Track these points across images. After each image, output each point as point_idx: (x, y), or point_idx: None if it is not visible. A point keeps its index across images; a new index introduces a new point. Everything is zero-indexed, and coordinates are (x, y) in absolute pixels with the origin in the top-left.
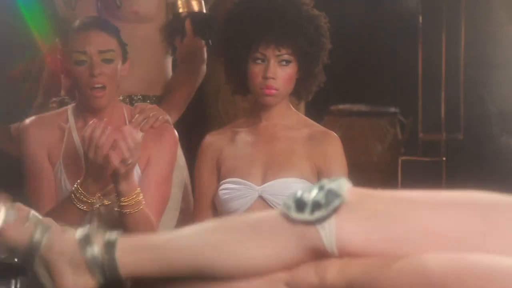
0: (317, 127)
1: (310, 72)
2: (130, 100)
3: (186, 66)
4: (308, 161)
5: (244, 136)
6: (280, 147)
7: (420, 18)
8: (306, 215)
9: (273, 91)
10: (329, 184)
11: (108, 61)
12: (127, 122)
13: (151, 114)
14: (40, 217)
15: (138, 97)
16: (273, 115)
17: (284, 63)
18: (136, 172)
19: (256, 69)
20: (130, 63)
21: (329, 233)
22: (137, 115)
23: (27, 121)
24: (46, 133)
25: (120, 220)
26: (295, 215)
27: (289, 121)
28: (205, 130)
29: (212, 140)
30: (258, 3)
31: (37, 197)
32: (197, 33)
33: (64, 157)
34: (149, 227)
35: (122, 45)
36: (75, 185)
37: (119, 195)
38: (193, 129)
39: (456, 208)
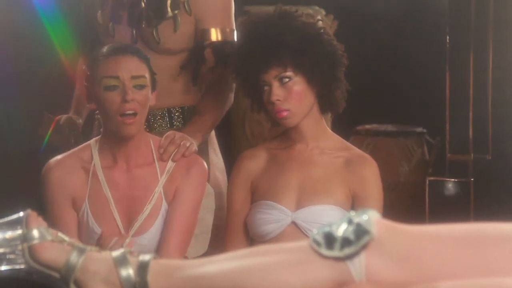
0: (354, 150)
1: (321, 81)
2: (169, 113)
3: (212, 94)
4: (344, 186)
5: (279, 158)
6: (316, 172)
7: (448, 37)
8: (336, 252)
9: (284, 113)
10: (357, 218)
11: (140, 87)
12: (154, 154)
13: (181, 143)
14: (67, 238)
15: (177, 109)
16: (306, 136)
17: (286, 81)
18: (163, 205)
19: (265, 97)
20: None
21: (359, 268)
22: (167, 145)
23: (52, 163)
24: (70, 176)
25: None
26: (325, 252)
27: (325, 143)
28: (232, 150)
29: (247, 160)
30: (244, 34)
31: None
32: (219, 62)
33: (90, 198)
34: None
35: (152, 74)
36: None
37: None
38: (220, 149)
39: (485, 245)
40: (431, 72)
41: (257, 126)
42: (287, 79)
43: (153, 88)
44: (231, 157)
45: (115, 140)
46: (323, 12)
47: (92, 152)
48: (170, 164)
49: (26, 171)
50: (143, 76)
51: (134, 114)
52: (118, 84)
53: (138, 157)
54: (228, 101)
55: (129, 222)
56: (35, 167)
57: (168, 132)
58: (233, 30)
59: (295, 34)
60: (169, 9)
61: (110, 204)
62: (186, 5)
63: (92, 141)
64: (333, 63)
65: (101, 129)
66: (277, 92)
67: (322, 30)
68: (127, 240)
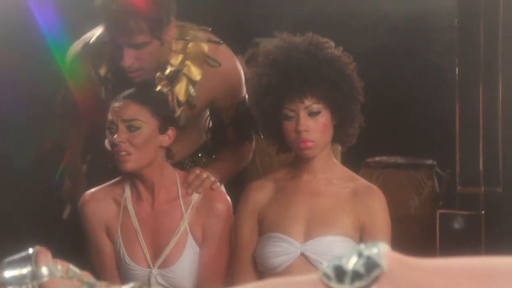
0: (361, 181)
1: (344, 115)
2: (181, 164)
3: (233, 148)
4: (352, 217)
5: (286, 189)
6: (323, 203)
7: (457, 70)
8: (346, 286)
9: (309, 144)
10: (367, 250)
11: (135, 128)
12: (180, 189)
13: (206, 178)
14: (78, 271)
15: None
16: (315, 167)
17: (314, 113)
18: (189, 239)
19: (289, 125)
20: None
21: None
22: (192, 180)
23: (86, 196)
24: (102, 208)
25: None
26: (335, 285)
27: (331, 174)
28: (242, 181)
29: (255, 191)
30: (276, 60)
31: (100, 270)
32: (243, 139)
33: (121, 229)
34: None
35: (160, 116)
36: None
37: None
38: (230, 180)
39: (496, 279)
40: (441, 104)
41: (266, 157)
42: (316, 111)
43: (163, 129)
44: (242, 188)
45: (136, 177)
46: (333, 45)
47: (124, 186)
48: (195, 199)
49: (37, 205)
50: (136, 120)
51: (128, 154)
52: (114, 127)
53: (162, 192)
54: (249, 152)
55: (156, 255)
56: (47, 200)
57: (194, 168)
58: (246, 97)
59: (332, 67)
60: (175, 107)
61: (139, 236)
62: (190, 100)
63: (125, 175)
64: (357, 99)
65: None
66: (305, 122)
67: (351, 65)
68: (154, 272)
